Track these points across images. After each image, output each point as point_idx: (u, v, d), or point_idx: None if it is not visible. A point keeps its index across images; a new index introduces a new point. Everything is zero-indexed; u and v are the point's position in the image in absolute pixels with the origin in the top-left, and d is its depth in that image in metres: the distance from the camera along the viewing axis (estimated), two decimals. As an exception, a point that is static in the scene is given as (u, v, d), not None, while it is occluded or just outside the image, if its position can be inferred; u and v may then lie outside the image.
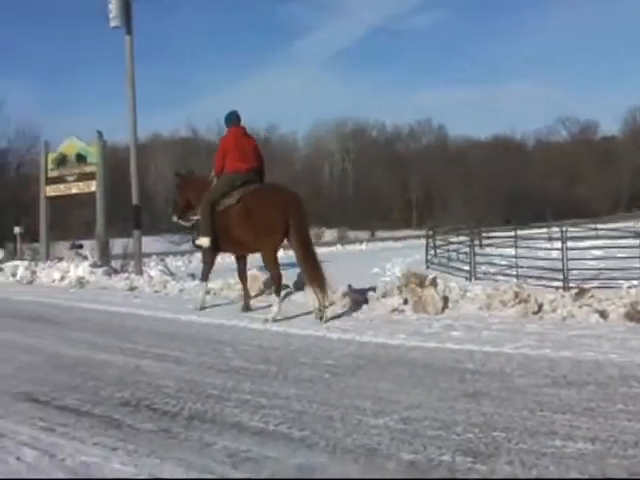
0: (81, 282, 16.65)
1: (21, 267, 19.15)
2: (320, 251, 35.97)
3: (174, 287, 14.22)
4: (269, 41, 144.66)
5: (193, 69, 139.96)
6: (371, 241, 57.95)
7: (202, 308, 11.78)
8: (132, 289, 14.91)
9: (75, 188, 20.29)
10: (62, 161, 20.52)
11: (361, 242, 53.50)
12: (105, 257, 19.13)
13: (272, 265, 10.88)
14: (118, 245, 23.96)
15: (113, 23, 18.82)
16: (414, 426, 5.00)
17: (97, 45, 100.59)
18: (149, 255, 22.16)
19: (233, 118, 11.95)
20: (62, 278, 17.32)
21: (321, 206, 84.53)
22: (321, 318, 10.04)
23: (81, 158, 20.01)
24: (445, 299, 10.24)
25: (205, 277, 12.20)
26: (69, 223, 41.35)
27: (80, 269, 17.38)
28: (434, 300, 10.05)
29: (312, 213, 57.27)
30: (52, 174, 21.00)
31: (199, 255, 29.68)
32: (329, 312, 10.28)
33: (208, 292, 12.61)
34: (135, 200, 18.56)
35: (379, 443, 4.67)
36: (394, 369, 6.86)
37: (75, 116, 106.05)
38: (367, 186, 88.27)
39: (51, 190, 21.03)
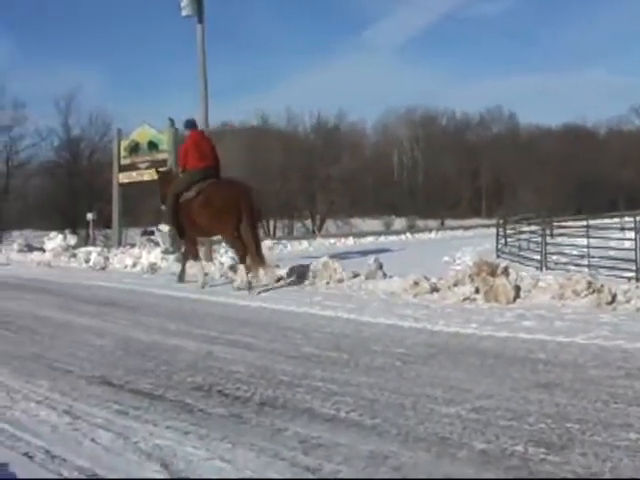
0: (153, 268, 16.82)
1: (94, 253, 19.41)
2: (389, 239, 36.12)
3: (244, 274, 14.25)
4: (338, 29, 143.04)
5: (263, 58, 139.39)
6: (440, 230, 57.37)
7: (204, 286, 13.42)
8: (204, 275, 14.99)
9: (147, 175, 20.39)
10: (134, 148, 20.73)
11: (430, 231, 53.06)
12: (176, 244, 19.26)
13: (231, 243, 13.63)
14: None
15: (184, 12, 18.93)
16: (486, 416, 4.96)
17: (169, 34, 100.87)
18: (219, 242, 22.24)
19: (192, 124, 14.53)
20: (134, 264, 17.52)
21: (390, 194, 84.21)
22: (250, 289, 12.33)
23: (153, 145, 20.20)
24: (517, 288, 10.15)
25: (195, 256, 14.23)
26: (140, 210, 41.76)
27: (152, 255, 17.55)
28: (506, 289, 9.96)
29: (381, 201, 57.28)
30: (124, 161, 21.24)
31: (268, 242, 29.94)
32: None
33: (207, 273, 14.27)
34: (206, 187, 18.62)
35: (451, 432, 4.65)
36: (466, 358, 6.82)
37: (146, 104, 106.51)
38: (436, 174, 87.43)
39: (123, 177, 21.28)
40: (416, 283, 10.90)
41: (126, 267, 17.65)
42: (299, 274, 13.53)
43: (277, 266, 14.41)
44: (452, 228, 60.32)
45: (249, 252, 12.80)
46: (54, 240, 22.42)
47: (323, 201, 71.98)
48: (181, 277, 14.33)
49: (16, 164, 59.70)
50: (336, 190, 71.96)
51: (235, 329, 8.80)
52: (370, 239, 38.58)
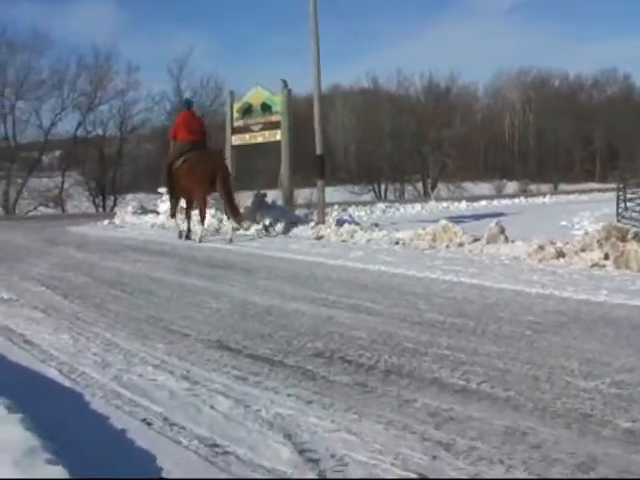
0: (267, 230, 16.74)
1: (208, 215, 19.42)
2: (503, 203, 35.78)
3: (362, 237, 14.07)
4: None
5: (374, 20, 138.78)
6: (554, 194, 56.30)
7: (181, 237, 17.03)
8: (319, 238, 14.87)
9: (260, 137, 20.25)
10: (247, 110, 20.52)
11: (544, 195, 52.10)
12: (290, 206, 19.16)
13: (201, 202, 16.48)
14: (300, 195, 24.07)
15: (296, -26, 18.68)
16: (628, 391, 4.60)
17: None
18: (331, 205, 22.12)
19: (186, 104, 19.24)
20: (248, 227, 17.45)
21: (502, 158, 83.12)
22: (230, 240, 15.48)
23: (266, 107, 19.95)
24: (649, 255, 9.65)
25: (173, 215, 17.96)
26: (253, 173, 41.89)
27: (266, 218, 17.47)
28: (638, 255, 9.46)
29: (492, 165, 56.68)
30: (237, 124, 21.07)
31: (381, 205, 29.79)
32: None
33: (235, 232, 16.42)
34: (319, 150, 18.43)
35: (592, 408, 4.30)
36: (599, 328, 6.42)
37: (258, 67, 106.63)
38: (549, 138, 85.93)
39: (237, 139, 21.13)
40: (541, 248, 10.47)
41: (240, 229, 17.60)
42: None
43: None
44: (566, 192, 59.06)
45: (227, 209, 16.31)
46: (167, 202, 22.53)
47: (434, 164, 71.36)
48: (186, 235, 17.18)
49: (129, 129, 60.64)
50: (447, 153, 71.30)
51: (354, 293, 8.54)
52: (483, 203, 38.06)
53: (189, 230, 17.13)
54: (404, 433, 4.00)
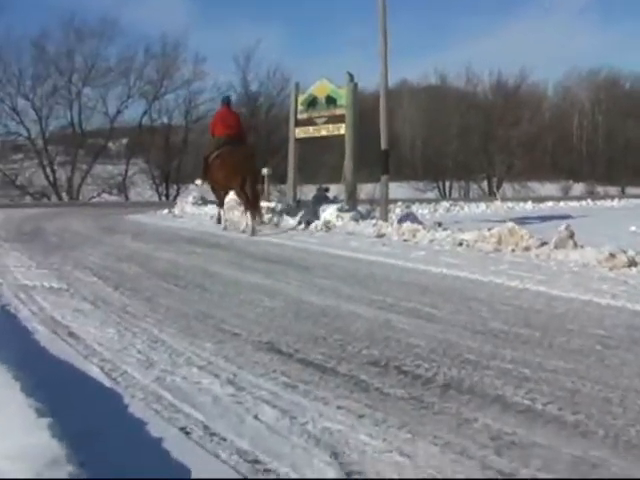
0: (327, 226, 16.47)
1: (267, 208, 19.28)
2: (569, 205, 35.04)
3: (424, 237, 13.66)
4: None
5: (443, 14, 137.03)
6: (622, 197, 55.13)
7: (225, 228, 17.56)
8: (380, 236, 14.49)
9: (324, 130, 19.99)
10: (312, 103, 20.27)
11: (612, 198, 51.05)
12: (353, 201, 18.85)
13: (240, 196, 16.86)
14: (363, 190, 23.79)
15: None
16: None
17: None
18: (394, 201, 21.72)
19: (225, 100, 18.91)
20: (308, 221, 17.21)
21: (569, 158, 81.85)
22: (253, 233, 15.75)
23: (331, 100, 19.70)
24: None
25: (220, 204, 18.39)
26: (317, 167, 41.65)
27: (327, 213, 17.19)
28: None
29: (559, 165, 55.60)
30: (301, 116, 20.84)
31: (445, 203, 29.56)
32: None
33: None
34: (384, 145, 18.12)
35: (672, 440, 3.87)
36: (677, 346, 5.95)
37: (325, 59, 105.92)
38: (618, 139, 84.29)
39: (300, 132, 20.90)
40: (612, 255, 9.97)
41: (300, 224, 17.37)
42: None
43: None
44: (635, 196, 57.88)
45: (250, 204, 16.37)
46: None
47: (501, 163, 70.47)
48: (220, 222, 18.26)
49: (194, 118, 60.82)
50: (514, 152, 70.40)
51: (414, 296, 8.14)
52: (549, 204, 37.42)
53: (221, 219, 18.27)
54: (461, 458, 3.68)
